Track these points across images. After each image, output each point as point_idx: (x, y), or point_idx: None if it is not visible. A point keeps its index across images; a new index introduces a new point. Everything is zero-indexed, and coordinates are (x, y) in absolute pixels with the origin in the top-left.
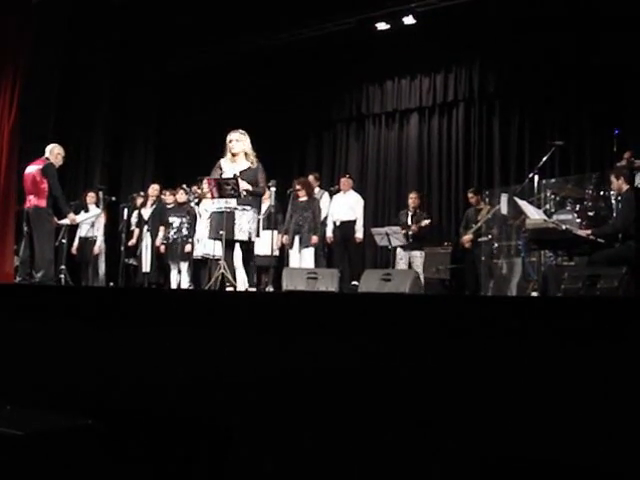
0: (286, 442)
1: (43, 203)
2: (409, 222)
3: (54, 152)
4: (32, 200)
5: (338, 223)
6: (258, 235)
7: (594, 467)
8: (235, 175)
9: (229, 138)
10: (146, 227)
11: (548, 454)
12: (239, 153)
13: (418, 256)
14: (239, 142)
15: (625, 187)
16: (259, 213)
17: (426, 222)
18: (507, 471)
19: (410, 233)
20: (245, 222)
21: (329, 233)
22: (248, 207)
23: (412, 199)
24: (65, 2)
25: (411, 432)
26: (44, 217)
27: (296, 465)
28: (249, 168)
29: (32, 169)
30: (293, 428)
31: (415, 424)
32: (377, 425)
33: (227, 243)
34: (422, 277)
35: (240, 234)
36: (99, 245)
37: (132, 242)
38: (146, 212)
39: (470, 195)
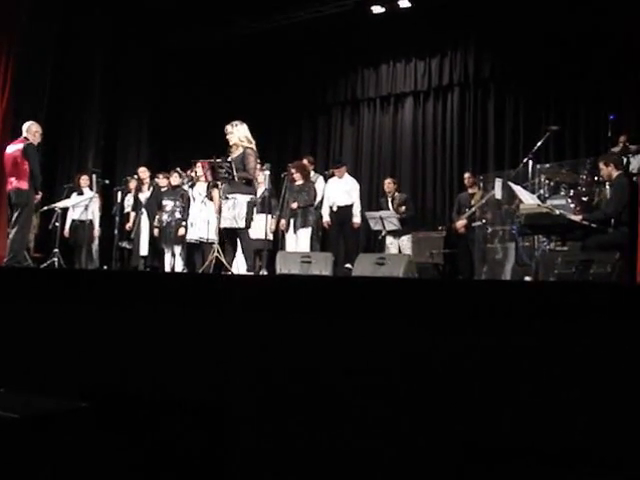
0: (281, 426)
1: (25, 185)
2: (390, 208)
3: (32, 130)
4: (13, 182)
5: (335, 208)
6: (248, 220)
7: (586, 452)
8: (228, 159)
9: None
10: (143, 211)
11: (544, 443)
12: (233, 145)
13: (405, 240)
14: (231, 134)
15: (615, 173)
16: (250, 197)
17: (402, 207)
18: (497, 459)
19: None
20: (226, 210)
21: (326, 217)
22: (230, 195)
23: (388, 184)
24: None
25: (403, 415)
26: (25, 200)
27: (292, 452)
28: (237, 157)
29: (12, 149)
30: (287, 411)
31: (408, 409)
32: (372, 410)
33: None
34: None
35: (224, 222)
36: (97, 228)
37: (129, 226)
38: (143, 196)
39: (467, 176)
